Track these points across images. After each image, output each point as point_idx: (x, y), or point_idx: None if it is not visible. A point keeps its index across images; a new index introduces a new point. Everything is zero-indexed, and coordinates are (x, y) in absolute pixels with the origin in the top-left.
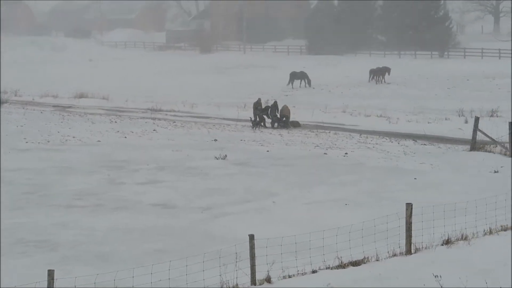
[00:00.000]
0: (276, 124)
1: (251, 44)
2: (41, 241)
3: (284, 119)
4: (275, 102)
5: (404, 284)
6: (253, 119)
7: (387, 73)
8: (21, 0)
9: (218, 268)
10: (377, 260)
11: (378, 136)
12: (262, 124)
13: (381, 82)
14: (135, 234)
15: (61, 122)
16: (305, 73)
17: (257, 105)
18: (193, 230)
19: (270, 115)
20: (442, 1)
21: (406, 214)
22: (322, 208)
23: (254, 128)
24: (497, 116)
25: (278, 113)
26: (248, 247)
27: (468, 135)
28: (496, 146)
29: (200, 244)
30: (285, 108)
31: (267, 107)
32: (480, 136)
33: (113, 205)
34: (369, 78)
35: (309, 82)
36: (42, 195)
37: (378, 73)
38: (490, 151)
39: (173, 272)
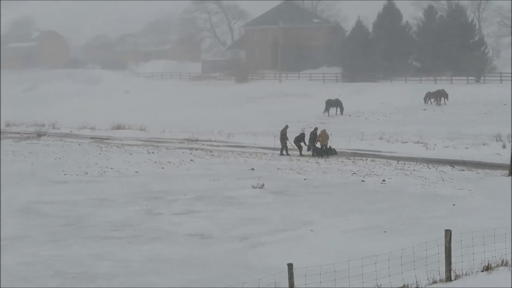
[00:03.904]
0: (311, 152)
1: (287, 73)
2: (78, 273)
3: (324, 147)
4: (315, 129)
5: None
6: (282, 146)
7: (444, 97)
8: (56, 33)
9: None
10: None
11: (415, 163)
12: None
13: (439, 104)
14: (171, 265)
15: (99, 153)
16: (340, 101)
17: (284, 132)
18: (230, 260)
19: (306, 143)
20: (478, 27)
21: (445, 240)
22: (360, 236)
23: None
24: None
25: (317, 140)
26: (287, 277)
27: (506, 160)
28: None
29: (238, 275)
30: (324, 134)
31: (302, 135)
32: None
33: (150, 236)
34: (426, 100)
35: (341, 110)
36: (80, 227)
37: (436, 96)
38: None
39: None
